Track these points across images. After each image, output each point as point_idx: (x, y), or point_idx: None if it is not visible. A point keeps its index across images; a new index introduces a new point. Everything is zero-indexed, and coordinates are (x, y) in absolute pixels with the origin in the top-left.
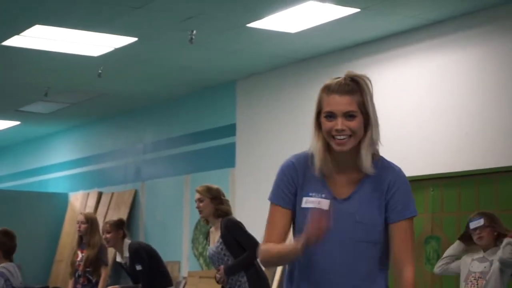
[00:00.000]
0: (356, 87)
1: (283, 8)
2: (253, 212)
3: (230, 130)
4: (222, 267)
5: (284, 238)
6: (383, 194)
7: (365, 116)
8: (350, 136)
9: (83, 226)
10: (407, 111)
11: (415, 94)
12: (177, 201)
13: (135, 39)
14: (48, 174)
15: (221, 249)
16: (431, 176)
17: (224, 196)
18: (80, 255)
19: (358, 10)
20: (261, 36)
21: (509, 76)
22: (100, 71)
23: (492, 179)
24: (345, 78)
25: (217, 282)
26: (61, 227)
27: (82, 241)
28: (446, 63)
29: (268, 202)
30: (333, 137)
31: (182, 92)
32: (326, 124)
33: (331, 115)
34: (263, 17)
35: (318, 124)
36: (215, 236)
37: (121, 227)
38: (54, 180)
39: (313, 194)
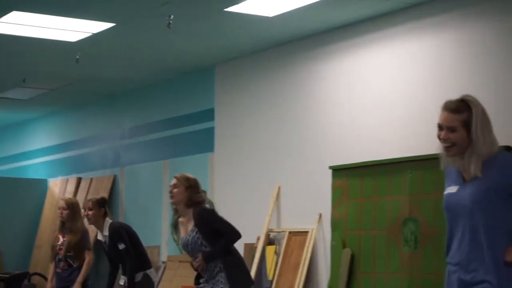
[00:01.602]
0: (463, 107)
1: None
2: (232, 196)
3: (209, 115)
4: (200, 254)
5: None
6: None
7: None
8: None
9: (64, 212)
10: (384, 95)
11: (392, 78)
12: (156, 186)
13: (112, 24)
14: (27, 160)
15: (198, 238)
16: (408, 158)
17: (200, 188)
18: (61, 239)
19: None
20: (239, 20)
21: (484, 60)
22: (78, 57)
23: None
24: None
25: (195, 269)
26: (41, 212)
27: (64, 226)
28: (422, 47)
29: (246, 185)
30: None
31: (160, 77)
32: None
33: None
34: (240, 1)
35: None
36: (187, 226)
37: (103, 205)
38: (33, 166)
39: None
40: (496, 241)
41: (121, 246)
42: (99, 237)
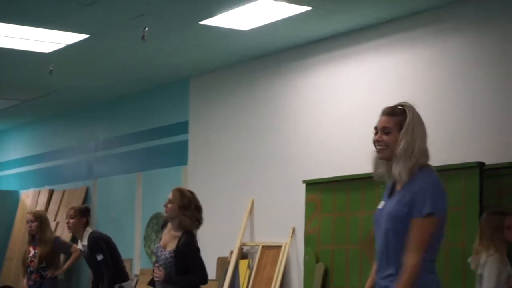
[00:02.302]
0: (398, 112)
1: (236, 6)
2: (206, 210)
3: (183, 127)
4: (164, 271)
5: None
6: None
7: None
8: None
9: (33, 224)
10: (358, 109)
11: (366, 92)
12: (129, 199)
13: (86, 35)
14: None
15: (170, 262)
16: None
17: (193, 207)
18: (32, 251)
19: (310, 8)
20: (214, 33)
21: (457, 76)
22: (51, 68)
23: (442, 176)
24: (395, 105)
25: (153, 278)
26: (12, 225)
27: (34, 238)
28: (396, 62)
29: (220, 198)
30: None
31: (134, 89)
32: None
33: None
34: (215, 15)
35: None
36: (169, 243)
37: (85, 215)
38: (5, 178)
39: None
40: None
41: (99, 257)
42: (79, 246)
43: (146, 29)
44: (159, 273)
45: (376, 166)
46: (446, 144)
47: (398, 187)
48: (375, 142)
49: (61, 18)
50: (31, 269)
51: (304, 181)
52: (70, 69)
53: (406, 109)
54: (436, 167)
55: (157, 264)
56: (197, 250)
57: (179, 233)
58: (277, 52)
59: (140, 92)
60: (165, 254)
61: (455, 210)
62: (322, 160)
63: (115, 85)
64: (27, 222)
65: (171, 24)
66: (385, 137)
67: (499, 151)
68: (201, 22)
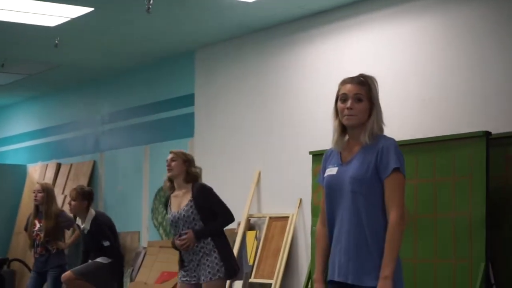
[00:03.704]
0: (366, 81)
1: None
2: (212, 182)
3: (189, 100)
4: (190, 230)
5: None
6: (374, 158)
7: (370, 103)
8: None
9: (39, 195)
10: None
11: (373, 62)
12: (136, 172)
13: (91, 9)
14: (6, 145)
15: (191, 212)
16: None
17: (195, 164)
18: (38, 224)
19: None
20: (219, 5)
21: (467, 43)
22: (56, 42)
23: (450, 145)
24: (357, 75)
25: (179, 246)
26: (20, 199)
27: (38, 211)
28: (401, 32)
29: (226, 170)
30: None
31: (140, 63)
32: (340, 105)
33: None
34: None
35: (336, 110)
36: (183, 200)
37: (86, 198)
38: (12, 152)
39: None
40: (376, 221)
41: (106, 243)
42: (78, 222)
43: (151, 1)
44: (184, 240)
45: (338, 136)
46: (453, 113)
47: (352, 153)
48: (346, 109)
49: None
50: (37, 242)
51: (310, 152)
52: (75, 42)
53: (369, 80)
54: (442, 136)
55: (176, 236)
56: (213, 191)
57: (188, 186)
58: (282, 24)
59: (145, 65)
60: (183, 211)
61: (462, 179)
62: (328, 131)
63: (121, 58)
64: (34, 192)
65: None
66: (356, 105)
67: (506, 120)
68: None
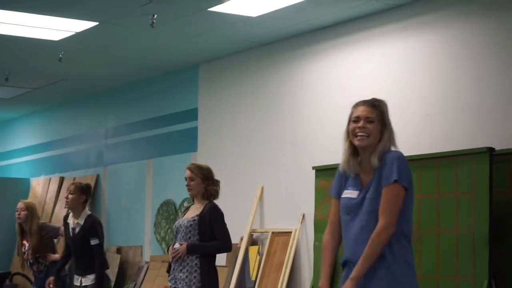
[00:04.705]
0: (378, 105)
1: None
2: None
3: (192, 114)
4: (185, 243)
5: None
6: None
7: (382, 126)
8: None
9: (23, 213)
10: (367, 95)
11: (375, 78)
12: (139, 186)
13: (95, 23)
14: (9, 159)
15: (191, 225)
16: None
17: (214, 176)
18: (26, 244)
19: None
20: (223, 20)
21: (468, 59)
22: (61, 56)
23: (453, 161)
24: (370, 99)
25: (170, 254)
26: None
27: (23, 231)
28: (407, 47)
29: (229, 185)
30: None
31: (143, 76)
32: (352, 125)
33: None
34: (224, 1)
35: (347, 132)
36: (193, 212)
37: (85, 192)
38: (16, 166)
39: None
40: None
41: (94, 242)
42: (70, 223)
43: (155, 16)
44: (177, 250)
45: (348, 157)
46: (456, 129)
47: (367, 176)
48: (359, 129)
49: (71, 5)
50: (30, 261)
51: (313, 167)
52: (79, 56)
53: (381, 103)
54: (445, 152)
55: (172, 244)
56: (223, 216)
57: (204, 202)
58: (286, 39)
59: (149, 79)
60: (186, 222)
61: (464, 196)
62: (331, 146)
63: (125, 72)
64: (17, 210)
65: (180, 11)
66: (369, 126)
67: (510, 136)
68: (210, 9)
